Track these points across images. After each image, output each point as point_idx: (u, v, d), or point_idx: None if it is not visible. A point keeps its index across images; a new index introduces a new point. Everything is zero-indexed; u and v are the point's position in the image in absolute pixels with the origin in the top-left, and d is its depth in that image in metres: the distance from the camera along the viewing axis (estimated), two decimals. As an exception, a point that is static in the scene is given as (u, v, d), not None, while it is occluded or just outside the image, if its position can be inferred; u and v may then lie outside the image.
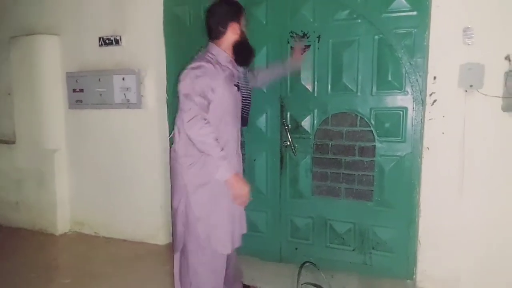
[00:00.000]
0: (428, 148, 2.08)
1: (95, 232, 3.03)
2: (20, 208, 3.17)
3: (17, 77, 3.05)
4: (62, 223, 3.07)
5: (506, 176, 1.95)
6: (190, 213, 1.61)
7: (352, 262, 2.32)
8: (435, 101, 2.04)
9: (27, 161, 3.09)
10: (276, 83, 2.37)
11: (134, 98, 2.69)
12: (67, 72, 2.94)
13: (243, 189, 1.57)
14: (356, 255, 2.31)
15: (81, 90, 2.88)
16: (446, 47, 1.99)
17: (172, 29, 2.68)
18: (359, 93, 2.22)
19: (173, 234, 1.72)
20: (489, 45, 1.91)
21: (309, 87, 2.33)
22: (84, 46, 2.88)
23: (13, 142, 3.16)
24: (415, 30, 2.06)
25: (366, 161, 2.25)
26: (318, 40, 2.27)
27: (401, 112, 2.15)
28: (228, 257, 1.79)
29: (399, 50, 2.10)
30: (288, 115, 2.39)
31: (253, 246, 2.38)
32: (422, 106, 2.09)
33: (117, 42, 2.73)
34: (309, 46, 2.29)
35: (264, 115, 2.43)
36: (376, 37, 2.14)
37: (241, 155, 1.77)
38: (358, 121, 2.25)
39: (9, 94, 3.20)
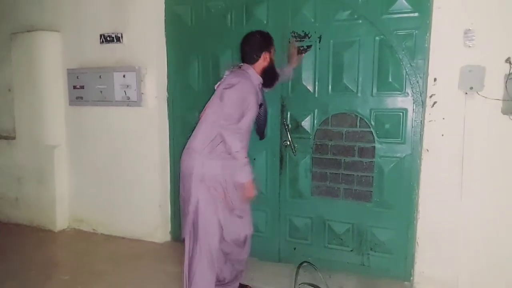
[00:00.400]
0: (427, 150, 2.08)
1: (94, 229, 3.03)
2: (19, 204, 3.18)
3: (18, 74, 3.05)
4: (61, 220, 3.07)
5: (505, 178, 1.95)
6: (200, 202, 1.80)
7: (350, 262, 2.32)
8: (435, 103, 2.05)
9: (27, 158, 3.09)
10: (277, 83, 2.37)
11: (134, 95, 2.69)
12: (67, 69, 2.94)
13: (253, 192, 1.85)
14: (354, 255, 2.31)
15: (82, 87, 2.88)
16: (447, 49, 1.99)
17: (173, 28, 2.68)
18: (359, 94, 2.22)
19: (183, 220, 1.88)
20: (489, 47, 1.91)
21: (310, 87, 2.33)
22: (85, 43, 2.88)
23: (13, 138, 3.16)
24: (416, 31, 2.06)
25: (365, 162, 2.25)
26: (319, 40, 2.27)
27: (401, 114, 2.15)
28: (231, 251, 1.93)
29: (400, 51, 2.10)
30: (289, 115, 2.39)
31: (252, 245, 2.37)
32: (422, 107, 2.09)
33: (118, 39, 2.73)
34: (310, 46, 2.29)
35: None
36: (377, 38, 2.14)
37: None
38: (358, 122, 2.25)
39: (9, 90, 3.20)
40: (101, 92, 2.80)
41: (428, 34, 2.03)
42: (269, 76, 1.90)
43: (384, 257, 2.25)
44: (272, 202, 2.47)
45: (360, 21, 2.17)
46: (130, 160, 2.82)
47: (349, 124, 2.28)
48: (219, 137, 1.78)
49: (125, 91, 2.72)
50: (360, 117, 2.24)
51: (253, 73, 1.86)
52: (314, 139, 2.35)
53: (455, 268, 2.06)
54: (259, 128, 2.01)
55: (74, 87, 2.91)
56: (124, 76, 2.70)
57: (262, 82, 1.90)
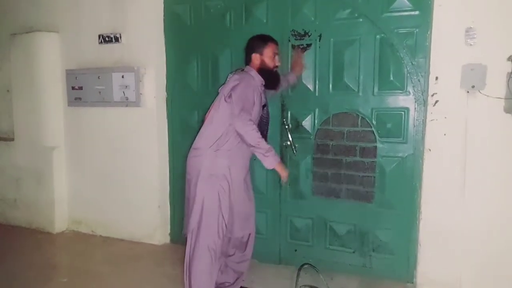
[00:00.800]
0: (429, 149, 2.06)
1: (93, 231, 3.01)
2: (18, 205, 3.15)
3: (17, 74, 3.04)
4: (59, 222, 3.05)
5: (508, 178, 1.93)
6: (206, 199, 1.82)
7: (352, 264, 2.29)
8: (437, 101, 2.02)
9: (25, 159, 3.07)
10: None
11: (133, 96, 2.67)
12: (66, 70, 2.93)
13: (286, 172, 1.90)
14: (356, 257, 2.29)
15: (80, 88, 2.86)
16: (448, 47, 1.97)
17: (172, 28, 2.67)
18: (360, 93, 2.20)
19: (187, 217, 1.88)
20: (491, 45, 1.89)
21: (310, 87, 2.31)
22: (83, 43, 2.86)
23: (12, 140, 3.14)
24: (417, 30, 2.05)
25: (367, 162, 2.23)
26: (320, 39, 2.25)
27: (403, 113, 2.13)
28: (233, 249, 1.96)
29: (401, 50, 2.08)
30: (289, 115, 2.37)
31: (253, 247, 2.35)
32: (424, 106, 2.07)
33: (117, 39, 2.71)
34: (310, 45, 2.27)
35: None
36: (378, 36, 2.12)
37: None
38: (359, 121, 2.23)
39: (8, 91, 3.19)
40: (99, 92, 2.78)
41: (429, 33, 2.02)
42: (266, 77, 1.91)
43: (386, 258, 2.22)
44: (273, 202, 2.44)
45: (361, 20, 2.16)
46: (129, 161, 2.80)
47: (350, 123, 2.26)
48: (225, 136, 1.80)
49: (123, 92, 2.70)
50: (362, 117, 2.22)
51: (255, 74, 1.90)
52: (315, 139, 2.33)
53: (458, 269, 2.04)
54: (262, 130, 2.01)
55: (73, 88, 2.90)
56: (122, 76, 2.68)
57: (264, 83, 1.92)
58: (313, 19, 2.26)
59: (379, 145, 2.18)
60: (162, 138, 2.75)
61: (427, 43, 2.03)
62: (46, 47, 2.94)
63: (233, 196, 1.85)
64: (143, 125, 2.73)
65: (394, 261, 2.20)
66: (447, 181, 2.03)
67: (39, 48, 2.93)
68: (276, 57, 1.94)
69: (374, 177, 2.21)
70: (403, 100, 2.12)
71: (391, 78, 2.13)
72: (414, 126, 2.11)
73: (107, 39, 2.75)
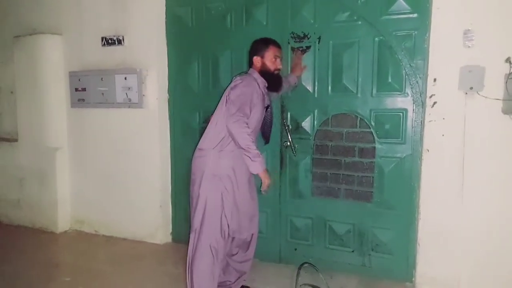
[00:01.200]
0: (428, 150, 2.08)
1: (95, 231, 3.04)
2: (21, 206, 3.19)
3: (20, 76, 3.08)
4: (62, 221, 3.08)
5: (506, 178, 1.94)
6: (208, 199, 1.85)
7: (351, 263, 2.32)
8: (435, 103, 2.05)
9: (29, 159, 3.11)
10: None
11: (135, 97, 2.71)
12: (69, 71, 2.97)
13: (269, 180, 1.89)
14: (355, 256, 2.31)
15: (84, 89, 2.90)
16: (447, 49, 1.99)
17: (174, 30, 2.70)
18: (359, 95, 2.22)
19: (191, 216, 1.90)
20: (489, 47, 1.91)
21: (310, 88, 2.34)
22: (86, 45, 2.90)
23: (16, 140, 3.18)
24: (416, 32, 2.07)
25: (366, 162, 2.25)
26: (319, 41, 2.28)
27: (401, 114, 2.15)
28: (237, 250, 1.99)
29: (399, 52, 2.10)
30: (289, 116, 2.40)
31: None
32: (422, 108, 2.09)
33: (119, 42, 2.75)
34: (309, 47, 2.30)
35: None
36: (377, 39, 2.15)
37: None
38: (358, 122, 2.26)
39: (12, 92, 3.23)
40: (102, 94, 2.82)
41: (427, 35, 2.04)
42: (268, 79, 1.95)
43: (386, 258, 2.24)
44: (273, 202, 2.47)
45: (360, 22, 2.18)
46: (131, 161, 2.83)
47: (349, 124, 2.28)
48: (228, 137, 1.82)
49: (126, 93, 2.73)
50: (360, 118, 2.24)
51: (258, 76, 1.94)
52: (314, 140, 2.35)
53: (457, 269, 2.06)
54: (265, 132, 2.06)
55: (76, 90, 2.93)
56: (125, 78, 2.72)
57: (267, 85, 1.96)
58: (312, 21, 2.29)
59: (377, 145, 2.21)
60: (164, 139, 2.78)
61: (426, 45, 2.05)
62: (49, 49, 2.97)
63: (238, 197, 1.87)
64: (145, 126, 2.76)
65: (393, 260, 2.23)
66: (445, 181, 2.05)
67: (42, 50, 2.97)
68: (278, 60, 1.96)
69: (373, 177, 2.23)
70: (402, 102, 2.14)
71: (390, 80, 2.16)
72: (413, 127, 2.13)
73: (109, 41, 2.78)
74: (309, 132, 2.36)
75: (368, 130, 2.23)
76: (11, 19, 3.17)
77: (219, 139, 1.84)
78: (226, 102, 1.84)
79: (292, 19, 2.33)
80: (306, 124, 2.36)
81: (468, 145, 1.99)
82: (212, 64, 2.60)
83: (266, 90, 1.97)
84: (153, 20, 2.69)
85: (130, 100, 2.73)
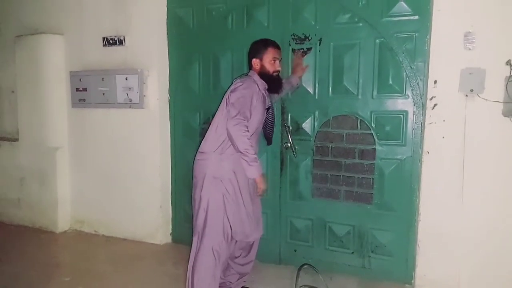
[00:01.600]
0: (428, 152, 2.08)
1: (95, 231, 3.04)
2: (21, 205, 3.19)
3: (21, 76, 3.08)
4: (62, 221, 3.08)
5: (506, 180, 1.95)
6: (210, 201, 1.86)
7: (351, 265, 2.32)
8: (435, 105, 2.05)
9: (29, 159, 3.11)
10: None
11: (136, 97, 2.71)
12: (70, 71, 2.97)
13: (264, 186, 1.90)
14: (355, 258, 2.31)
15: (84, 89, 2.90)
16: (447, 51, 2.00)
17: (175, 30, 2.70)
18: (360, 96, 2.23)
19: (194, 220, 1.91)
20: (490, 50, 1.91)
21: (310, 89, 2.34)
22: (88, 45, 2.90)
23: (16, 140, 3.18)
24: (416, 34, 2.07)
25: (366, 164, 2.25)
26: (320, 43, 2.28)
27: (402, 116, 2.16)
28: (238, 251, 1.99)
29: (400, 54, 2.11)
30: (289, 117, 2.40)
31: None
32: (423, 110, 2.09)
33: (120, 42, 2.75)
34: (310, 48, 2.30)
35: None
36: (377, 40, 2.15)
37: None
38: (358, 124, 2.26)
39: (12, 92, 3.23)
40: (103, 94, 2.82)
41: (428, 37, 2.04)
42: (267, 81, 1.95)
43: (385, 260, 2.24)
44: (273, 203, 2.47)
45: (361, 24, 2.18)
46: (131, 161, 2.83)
47: (350, 126, 2.29)
48: (228, 140, 1.82)
49: (127, 94, 2.74)
50: (361, 119, 2.24)
51: (258, 78, 1.94)
52: (314, 141, 2.35)
53: (457, 271, 2.06)
54: (267, 133, 2.06)
55: (77, 90, 2.94)
56: (126, 78, 2.72)
57: (267, 87, 1.96)
58: (313, 23, 2.29)
59: (378, 147, 2.21)
60: (164, 139, 2.79)
61: (426, 47, 2.06)
62: (51, 49, 2.98)
63: (241, 199, 1.86)
64: (146, 126, 2.76)
65: (393, 262, 2.23)
66: (445, 183, 2.05)
67: (43, 50, 2.97)
68: (277, 62, 1.96)
69: (373, 179, 2.23)
70: (402, 103, 2.15)
71: (390, 82, 2.16)
72: (413, 129, 2.13)
73: (111, 41, 2.79)
74: (310, 133, 2.36)
75: (368, 132, 2.23)
76: (13, 18, 3.18)
77: (220, 142, 1.85)
78: (226, 105, 1.84)
79: (293, 20, 2.34)
80: (307, 125, 2.37)
81: (468, 147, 1.99)
82: (213, 64, 2.60)
83: (266, 92, 1.97)
84: (154, 21, 2.69)
85: (131, 100, 2.74)
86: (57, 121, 3.04)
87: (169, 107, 2.78)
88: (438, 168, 2.06)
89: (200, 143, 1.96)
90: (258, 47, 1.97)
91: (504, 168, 1.94)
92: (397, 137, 2.17)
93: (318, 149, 2.36)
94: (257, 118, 1.88)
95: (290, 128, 2.39)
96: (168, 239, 2.88)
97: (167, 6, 2.70)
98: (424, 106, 2.08)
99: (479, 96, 1.95)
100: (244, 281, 2.11)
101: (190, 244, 1.92)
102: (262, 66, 1.94)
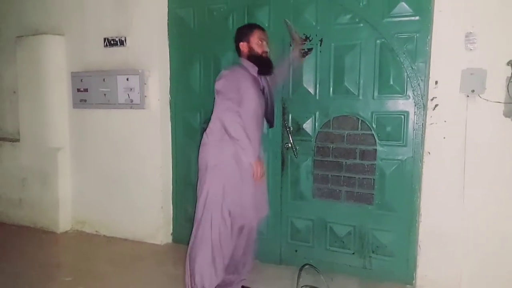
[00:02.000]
0: (429, 153, 2.08)
1: (96, 231, 3.05)
2: (22, 205, 3.20)
3: (23, 76, 3.09)
4: (63, 222, 3.09)
5: (507, 181, 1.94)
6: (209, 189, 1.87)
7: (352, 265, 2.32)
8: (436, 105, 2.05)
9: (30, 160, 3.12)
10: (278, 85, 2.39)
11: (137, 98, 2.72)
12: (71, 72, 2.98)
13: (261, 170, 1.87)
14: (356, 258, 2.31)
15: (86, 90, 2.91)
16: (448, 52, 2.00)
17: (176, 31, 2.71)
18: (360, 97, 2.23)
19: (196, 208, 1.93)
20: (491, 50, 1.91)
21: (311, 90, 2.34)
22: (89, 46, 2.91)
23: (17, 140, 3.19)
24: (417, 34, 2.07)
25: (367, 165, 2.25)
26: (321, 44, 2.28)
27: (403, 116, 2.16)
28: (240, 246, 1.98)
29: (401, 54, 2.11)
30: (290, 117, 2.40)
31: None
32: (424, 110, 2.09)
33: (122, 43, 2.76)
34: (311, 49, 2.30)
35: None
36: (378, 41, 2.15)
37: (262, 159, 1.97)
38: (359, 125, 2.26)
39: (14, 92, 3.24)
40: (104, 95, 2.83)
41: (429, 37, 2.04)
42: (258, 63, 1.93)
43: (386, 260, 2.24)
44: (274, 204, 2.46)
45: (361, 25, 2.18)
46: (132, 162, 2.84)
47: (351, 126, 2.29)
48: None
49: (128, 94, 2.74)
50: (362, 120, 2.24)
51: (247, 63, 1.94)
52: (315, 142, 2.36)
53: (458, 271, 2.05)
54: (267, 114, 2.02)
55: (78, 90, 2.94)
56: (127, 79, 2.73)
57: (258, 70, 1.94)
58: (314, 23, 2.29)
59: (379, 148, 2.21)
60: (165, 140, 2.79)
61: (427, 48, 2.05)
62: (52, 50, 2.98)
63: (242, 185, 1.86)
64: (147, 127, 2.77)
65: (393, 262, 2.23)
66: (446, 184, 2.05)
67: (44, 51, 2.98)
68: (264, 42, 1.94)
69: (374, 179, 2.23)
70: (403, 104, 2.15)
71: (391, 82, 2.16)
72: (414, 129, 2.13)
73: (112, 42, 2.79)
74: (310, 134, 2.36)
75: (369, 132, 2.23)
76: (14, 19, 3.18)
77: (217, 130, 1.87)
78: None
79: (294, 21, 2.33)
80: (307, 126, 2.37)
81: (469, 148, 1.99)
82: (214, 65, 2.61)
83: (260, 75, 1.95)
84: (156, 21, 2.70)
85: (132, 101, 2.74)
86: (58, 122, 3.04)
87: (170, 108, 2.79)
88: (439, 168, 2.06)
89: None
90: (243, 31, 1.98)
91: (505, 169, 1.94)
92: (398, 137, 2.17)
93: (319, 150, 2.36)
94: (252, 101, 1.86)
95: (291, 129, 2.39)
96: (169, 239, 2.88)
97: (168, 7, 2.70)
98: (425, 107, 2.08)
99: (480, 97, 1.94)
100: (244, 279, 2.10)
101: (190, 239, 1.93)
102: (250, 48, 1.94)
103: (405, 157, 2.16)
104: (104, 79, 2.81)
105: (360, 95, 2.22)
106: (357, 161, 2.27)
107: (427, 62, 2.06)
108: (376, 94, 2.19)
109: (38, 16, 3.08)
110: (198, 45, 2.64)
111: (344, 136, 2.30)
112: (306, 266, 1.84)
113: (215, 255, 1.85)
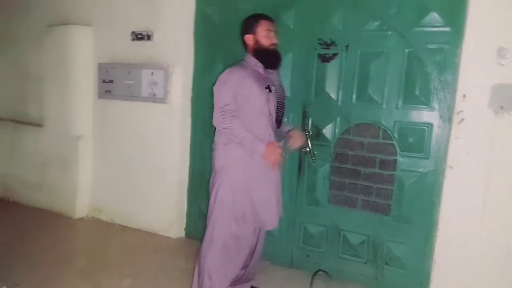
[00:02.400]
0: (451, 167, 2.05)
1: (111, 220, 3.11)
2: (42, 189, 3.29)
3: (50, 64, 3.17)
4: (80, 208, 3.16)
5: (532, 203, 1.89)
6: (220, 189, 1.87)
7: (364, 275, 2.30)
8: (462, 119, 2.01)
9: (52, 145, 3.20)
10: (301, 89, 2.38)
11: (160, 92, 2.76)
12: (98, 63, 3.04)
13: (273, 155, 1.77)
14: (368, 268, 2.29)
15: (111, 81, 2.97)
16: (479, 66, 1.95)
17: (202, 28, 2.73)
18: (384, 105, 2.20)
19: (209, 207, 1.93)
20: (524, 67, 1.86)
21: (333, 95, 2.33)
22: (116, 39, 2.96)
23: (40, 126, 3.27)
24: (447, 46, 2.03)
25: (386, 175, 2.23)
26: (346, 49, 2.27)
27: (426, 128, 2.12)
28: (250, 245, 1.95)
29: (429, 65, 2.07)
30: (310, 121, 2.40)
31: (265, 249, 2.38)
32: (449, 123, 2.05)
33: (149, 37, 2.80)
34: (336, 54, 2.28)
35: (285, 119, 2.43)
36: (406, 50, 2.12)
37: None
38: (380, 133, 2.24)
39: (39, 79, 3.33)
40: (129, 87, 2.88)
41: (459, 50, 2.00)
42: (263, 56, 1.83)
43: (399, 272, 2.21)
44: (288, 207, 2.46)
45: (390, 33, 2.16)
46: (151, 155, 2.88)
47: (371, 135, 2.26)
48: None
49: (152, 88, 2.79)
50: (383, 129, 2.22)
51: (250, 58, 1.86)
52: (334, 148, 2.34)
53: (472, 290, 2.01)
54: (277, 114, 1.91)
55: (104, 81, 3.00)
56: (152, 73, 2.77)
57: (261, 64, 1.84)
58: (341, 28, 2.28)
59: (399, 158, 2.18)
60: (184, 136, 2.82)
61: (457, 60, 2.01)
62: (80, 40, 3.05)
63: (254, 187, 1.83)
64: (168, 121, 2.80)
65: (406, 276, 2.20)
66: (467, 200, 2.01)
67: (73, 41, 3.05)
68: (271, 33, 1.83)
69: (392, 190, 2.21)
70: (428, 116, 2.11)
71: (417, 93, 2.13)
72: (437, 142, 2.10)
73: (139, 36, 2.84)
74: (330, 139, 2.35)
75: (390, 142, 2.21)
76: (44, 8, 3.26)
77: (224, 134, 1.86)
78: None
79: (320, 25, 2.32)
80: (327, 131, 2.36)
81: (494, 165, 1.94)
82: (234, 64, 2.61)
83: (264, 70, 1.85)
84: (183, 18, 2.72)
85: (155, 95, 2.78)
86: (82, 110, 3.11)
87: (191, 104, 2.82)
88: (461, 184, 2.02)
89: None
90: (249, 22, 1.86)
91: (531, 189, 1.89)
92: (420, 149, 2.14)
93: (337, 156, 2.35)
94: (257, 99, 1.78)
95: (310, 133, 2.36)
96: (182, 233, 2.92)
97: (195, 3, 2.72)
98: (450, 120, 2.05)
99: (509, 114, 1.90)
100: (252, 279, 2.11)
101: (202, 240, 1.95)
102: (256, 41, 1.82)
103: (427, 170, 2.13)
104: (129, 72, 2.86)
105: (384, 103, 2.20)
106: (376, 170, 2.25)
107: (455, 74, 2.02)
108: (400, 103, 2.16)
109: (68, 7, 3.15)
110: (221, 44, 2.66)
111: (364, 144, 2.28)
112: (320, 272, 1.84)
113: (225, 257, 1.86)
